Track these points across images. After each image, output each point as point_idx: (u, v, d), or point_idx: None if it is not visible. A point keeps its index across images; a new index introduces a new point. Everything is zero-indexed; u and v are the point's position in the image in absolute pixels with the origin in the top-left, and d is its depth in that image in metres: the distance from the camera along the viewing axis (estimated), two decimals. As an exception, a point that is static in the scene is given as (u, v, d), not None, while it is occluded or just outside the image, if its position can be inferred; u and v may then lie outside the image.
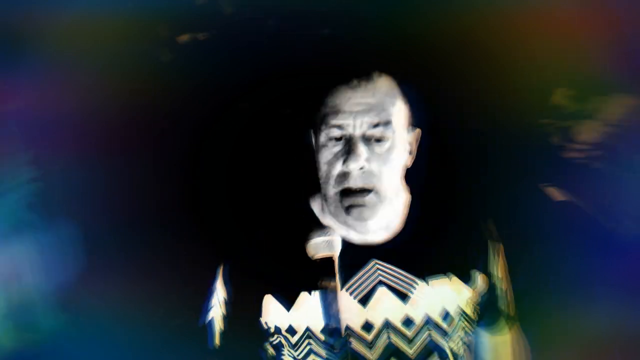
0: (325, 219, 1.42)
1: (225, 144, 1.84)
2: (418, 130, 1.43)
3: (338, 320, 1.32)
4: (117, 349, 1.74)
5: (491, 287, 1.46)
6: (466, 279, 1.42)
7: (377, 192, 1.34)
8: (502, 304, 1.48)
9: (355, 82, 1.33)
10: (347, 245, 1.37)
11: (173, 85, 1.79)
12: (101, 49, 1.76)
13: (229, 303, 1.43)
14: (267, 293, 1.39)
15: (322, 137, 1.35)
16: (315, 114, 1.37)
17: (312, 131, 1.41)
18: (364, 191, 1.33)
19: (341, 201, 1.34)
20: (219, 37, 1.81)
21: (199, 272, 1.64)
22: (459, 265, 1.41)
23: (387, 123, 1.33)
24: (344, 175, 1.33)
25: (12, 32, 1.72)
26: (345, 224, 1.39)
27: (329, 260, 1.34)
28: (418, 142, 1.43)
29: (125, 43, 1.77)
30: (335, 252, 1.33)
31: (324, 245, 1.33)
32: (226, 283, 1.43)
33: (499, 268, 1.46)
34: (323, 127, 1.34)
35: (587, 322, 2.04)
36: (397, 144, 1.35)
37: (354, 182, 1.33)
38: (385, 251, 1.40)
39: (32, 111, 1.75)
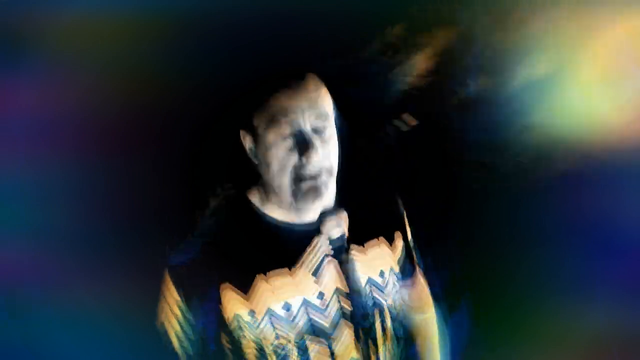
0: (267, 209, 1.56)
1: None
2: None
3: (359, 286, 1.55)
4: (115, 349, 1.75)
5: (405, 245, 1.71)
6: (390, 240, 1.65)
7: (329, 171, 1.51)
8: (412, 257, 1.75)
9: (293, 82, 1.48)
10: (293, 226, 1.54)
11: (173, 85, 1.79)
12: (101, 49, 1.76)
13: (183, 301, 1.51)
14: (223, 282, 1.49)
15: (271, 136, 1.47)
16: (254, 115, 1.50)
17: (246, 132, 1.53)
18: (320, 173, 1.48)
19: (298, 187, 1.48)
20: (219, 36, 1.82)
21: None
22: (384, 230, 1.65)
23: (326, 114, 1.50)
24: (301, 166, 1.46)
25: (12, 32, 1.72)
26: (291, 208, 1.52)
27: (273, 243, 1.52)
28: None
29: (125, 43, 1.77)
30: (345, 228, 1.54)
31: (337, 224, 1.53)
32: (175, 283, 1.51)
33: (408, 230, 1.74)
34: (271, 125, 1.46)
35: (585, 322, 2.04)
36: (333, 130, 1.53)
37: (312, 169, 1.47)
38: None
39: (32, 111, 1.75)
